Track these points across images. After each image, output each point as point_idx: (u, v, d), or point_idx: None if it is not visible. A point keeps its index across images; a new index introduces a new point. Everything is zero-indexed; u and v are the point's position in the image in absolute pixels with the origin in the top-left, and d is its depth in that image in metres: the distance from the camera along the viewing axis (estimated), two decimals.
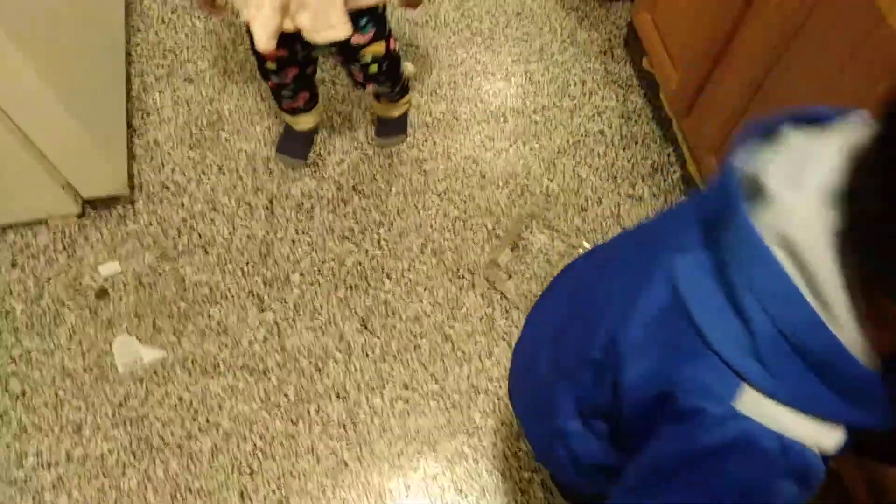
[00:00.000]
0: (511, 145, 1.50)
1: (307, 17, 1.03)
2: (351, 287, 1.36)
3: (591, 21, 1.67)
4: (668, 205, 1.44)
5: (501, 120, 1.53)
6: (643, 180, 1.47)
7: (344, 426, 1.24)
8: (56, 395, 1.25)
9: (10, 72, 1.03)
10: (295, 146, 1.46)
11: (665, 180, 1.47)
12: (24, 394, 1.25)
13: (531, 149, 1.50)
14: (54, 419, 1.23)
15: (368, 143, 1.49)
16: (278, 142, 1.47)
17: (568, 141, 1.51)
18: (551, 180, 1.46)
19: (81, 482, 1.19)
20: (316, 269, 1.37)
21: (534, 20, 1.66)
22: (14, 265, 1.36)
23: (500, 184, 1.45)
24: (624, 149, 1.50)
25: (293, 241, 1.40)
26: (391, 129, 1.48)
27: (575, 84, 1.58)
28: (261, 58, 1.22)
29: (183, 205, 1.42)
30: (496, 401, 1.25)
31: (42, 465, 1.20)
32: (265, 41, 1.03)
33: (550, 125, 1.52)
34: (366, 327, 1.32)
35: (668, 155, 1.50)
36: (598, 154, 1.49)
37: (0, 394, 1.25)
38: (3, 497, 1.17)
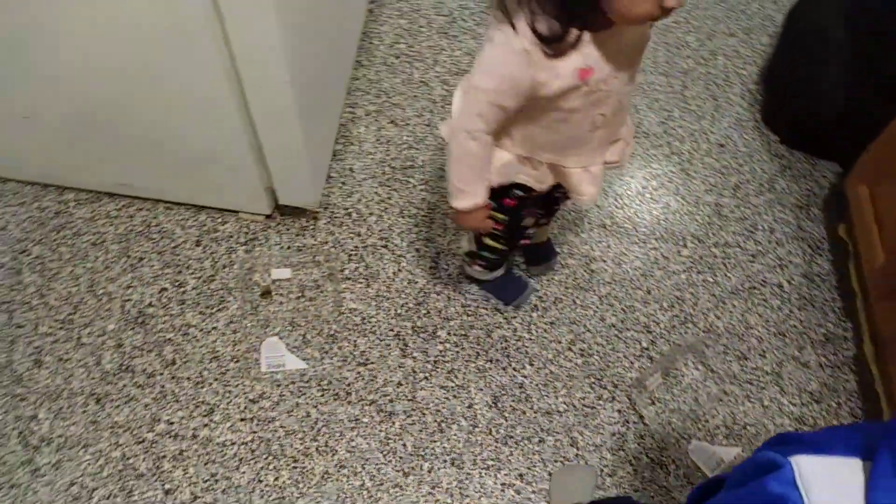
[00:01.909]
0: (684, 271, 1.53)
1: (617, 150, 1.06)
2: (492, 360, 1.42)
3: (794, 173, 1.70)
4: (833, 380, 1.42)
5: (680, 243, 1.57)
6: (812, 347, 1.45)
7: (451, 495, 1.28)
8: (201, 373, 1.37)
9: (269, 73, 1.17)
10: (517, 284, 1.48)
11: (836, 354, 1.45)
12: (173, 363, 1.38)
13: (704, 281, 1.52)
14: (192, 395, 1.35)
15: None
16: (499, 292, 1.47)
17: (743, 284, 1.52)
18: (718, 318, 1.47)
19: (199, 462, 1.28)
20: (463, 332, 1.44)
21: (736, 156, 1.71)
22: (198, 244, 1.52)
23: (665, 305, 1.49)
24: (800, 309, 1.50)
25: (449, 299, 1.48)
26: (547, 252, 1.51)
27: (763, 230, 1.60)
28: (519, 230, 1.22)
29: (359, 234, 1.55)
30: None
31: (170, 435, 1.31)
32: (595, 194, 1.06)
33: (729, 263, 1.55)
34: (496, 404, 1.37)
35: (845, 329, 1.48)
36: (772, 307, 1.50)
37: (154, 357, 1.38)
38: (129, 453, 1.29)
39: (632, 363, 1.42)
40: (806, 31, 1.67)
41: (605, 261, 1.54)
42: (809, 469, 0.54)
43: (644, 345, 1.44)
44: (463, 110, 0.92)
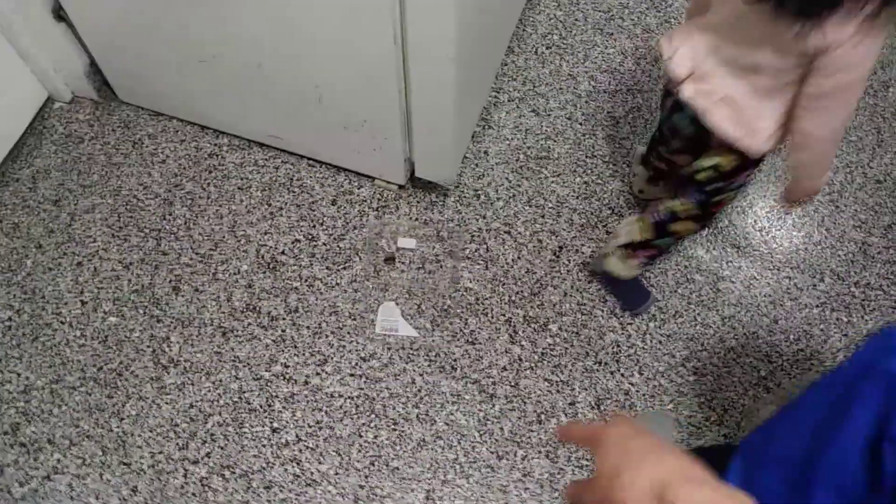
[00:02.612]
0: (818, 306, 1.46)
1: None
2: (600, 363, 1.41)
3: None
4: None
5: (817, 276, 1.49)
6: None
7: (542, 486, 1.28)
8: (319, 324, 1.44)
9: (436, 46, 1.17)
10: (643, 292, 1.47)
11: None
12: (296, 310, 1.46)
13: (838, 320, 1.45)
14: (309, 343, 1.42)
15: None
16: (626, 295, 1.47)
17: (881, 329, 1.43)
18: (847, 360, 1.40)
19: (307, 408, 1.35)
20: (575, 329, 1.44)
21: (893, 195, 1.60)
22: (334, 202, 1.59)
23: (792, 339, 1.42)
24: None
25: (565, 294, 1.48)
26: None
27: None
28: None
29: (485, 217, 1.57)
30: None
31: (283, 377, 1.39)
32: None
33: (868, 306, 1.46)
34: (598, 406, 1.36)
35: None
36: None
37: (280, 302, 1.46)
38: (246, 387, 1.38)
39: (746, 390, 1.37)
40: None
41: (733, 282, 1.49)
42: None
43: (762, 374, 1.39)
44: (849, 102, 0.99)
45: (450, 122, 1.35)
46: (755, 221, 1.56)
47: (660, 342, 1.42)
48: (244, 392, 1.37)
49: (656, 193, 1.51)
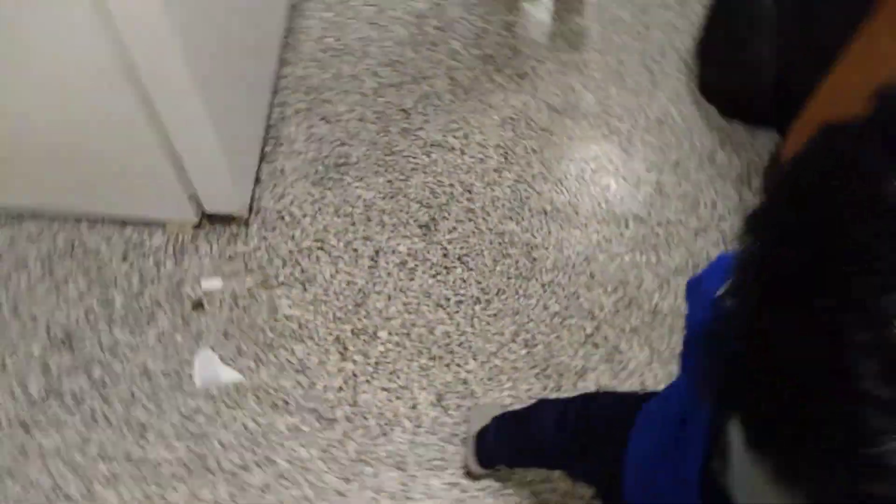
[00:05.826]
0: (627, 252, 1.53)
1: None
2: (435, 357, 1.40)
3: (734, 145, 1.70)
4: None
5: (623, 224, 1.56)
6: None
7: (395, 498, 1.26)
8: (131, 392, 1.34)
9: (171, 78, 1.13)
10: None
11: None
12: (102, 383, 1.35)
13: (647, 261, 1.52)
14: (123, 415, 1.32)
15: (484, 217, 1.56)
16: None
17: (687, 262, 1.52)
18: (663, 299, 1.47)
19: (132, 484, 1.26)
20: (405, 331, 1.43)
21: (674, 131, 1.71)
22: (124, 259, 1.48)
23: (609, 289, 1.48)
24: None
25: (389, 297, 1.46)
26: None
27: (705, 205, 1.60)
28: None
29: (293, 237, 1.52)
30: None
31: (101, 457, 1.28)
32: None
33: (672, 241, 1.55)
34: (440, 403, 1.36)
35: None
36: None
37: (83, 378, 1.35)
38: (60, 478, 1.26)
39: (576, 351, 1.41)
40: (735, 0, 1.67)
41: (546, 248, 1.53)
42: None
43: (588, 331, 1.44)
44: None
45: (219, 149, 1.29)
46: (556, 185, 1.61)
47: (488, 323, 1.44)
48: (59, 485, 1.26)
49: None
